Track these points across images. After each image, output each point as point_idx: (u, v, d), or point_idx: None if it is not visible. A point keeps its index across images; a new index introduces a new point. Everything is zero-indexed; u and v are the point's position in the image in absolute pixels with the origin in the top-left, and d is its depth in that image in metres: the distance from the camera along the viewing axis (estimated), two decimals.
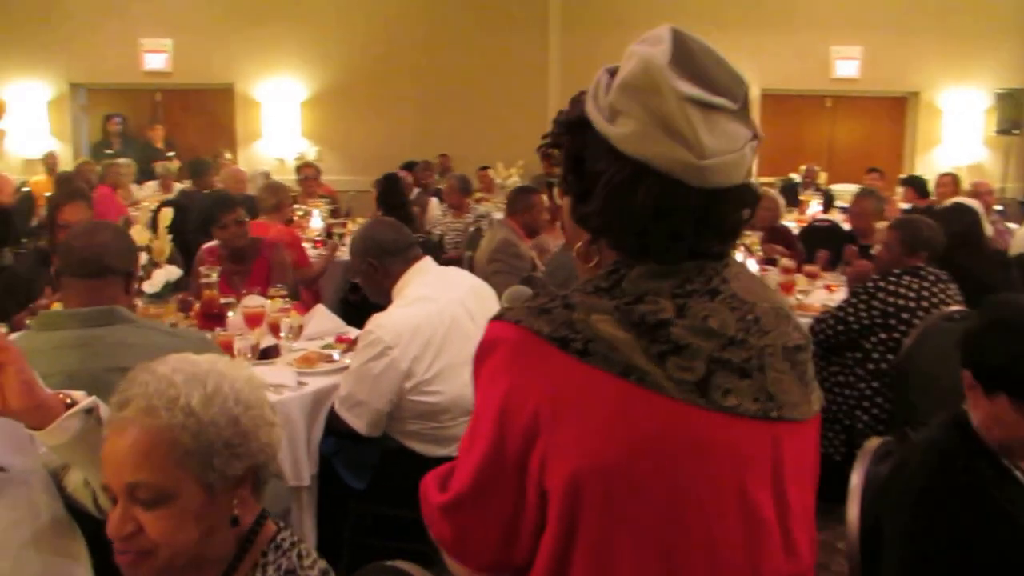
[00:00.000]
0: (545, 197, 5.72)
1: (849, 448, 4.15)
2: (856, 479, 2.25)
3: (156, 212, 4.27)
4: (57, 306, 3.21)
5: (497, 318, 1.34)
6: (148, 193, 10.56)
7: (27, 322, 3.43)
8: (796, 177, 11.31)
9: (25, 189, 10.86)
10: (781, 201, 6.78)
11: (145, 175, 11.07)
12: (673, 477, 1.27)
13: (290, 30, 12.94)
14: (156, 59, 13.31)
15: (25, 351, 2.34)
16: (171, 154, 12.19)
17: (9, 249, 9.72)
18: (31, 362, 2.27)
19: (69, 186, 4.81)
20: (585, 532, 1.27)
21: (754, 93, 12.89)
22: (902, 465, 2.12)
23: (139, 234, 3.86)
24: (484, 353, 1.35)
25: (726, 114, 1.28)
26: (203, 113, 13.63)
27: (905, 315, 4.08)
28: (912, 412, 4.02)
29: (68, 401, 1.68)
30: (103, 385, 2.27)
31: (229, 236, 4.85)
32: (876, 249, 4.63)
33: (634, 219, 1.29)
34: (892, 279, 4.17)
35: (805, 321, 4.48)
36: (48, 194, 10.23)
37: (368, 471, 3.42)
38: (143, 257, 3.85)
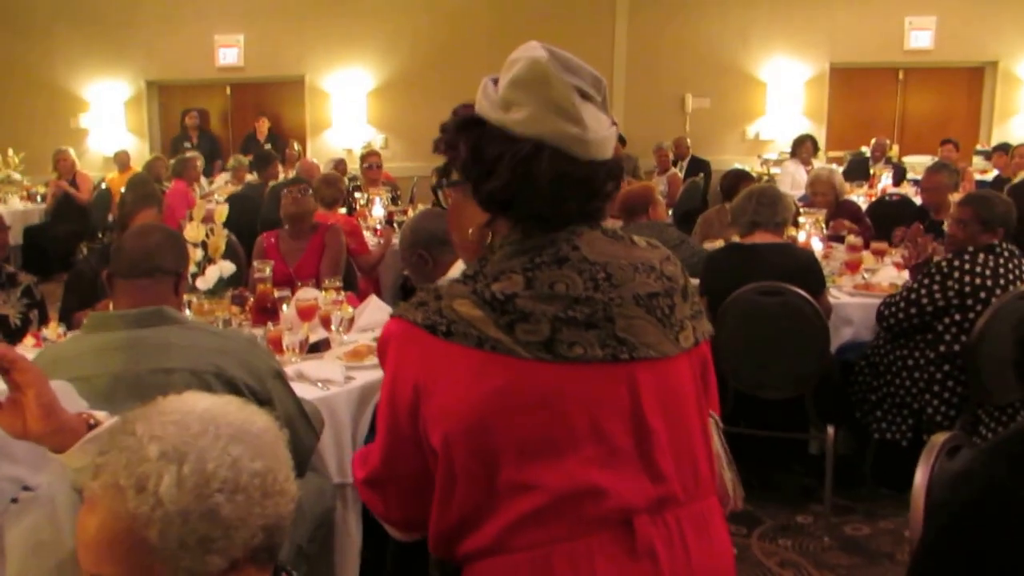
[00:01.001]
0: None
1: (916, 434, 4.01)
2: (921, 476, 1.99)
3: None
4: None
5: (391, 316, 1.59)
6: (220, 185, 10.74)
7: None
8: (867, 151, 11.03)
9: (103, 186, 11.17)
10: (836, 179, 6.48)
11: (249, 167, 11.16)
12: (526, 424, 1.49)
13: (358, 20, 12.99)
14: (229, 54, 13.50)
15: (74, 353, 2.41)
16: (268, 146, 12.37)
17: (85, 244, 10.06)
18: (79, 364, 2.31)
19: (141, 190, 4.85)
20: (462, 477, 1.51)
21: (823, 68, 12.73)
22: (966, 472, 1.96)
23: (194, 231, 3.90)
24: (380, 348, 1.61)
25: (594, 104, 1.57)
26: (274, 105, 13.81)
27: (982, 294, 3.87)
28: (985, 396, 3.87)
29: (92, 422, 1.61)
30: (148, 387, 2.26)
31: (290, 201, 5.08)
32: (949, 227, 4.37)
33: (538, 185, 1.53)
34: (967, 257, 3.95)
35: (872, 302, 4.36)
36: (123, 190, 10.57)
37: None
38: (198, 253, 3.91)
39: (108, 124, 13.68)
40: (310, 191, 5.26)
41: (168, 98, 14.05)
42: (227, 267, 3.89)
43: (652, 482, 1.53)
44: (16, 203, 10.92)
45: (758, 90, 12.79)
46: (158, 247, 2.57)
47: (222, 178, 11.09)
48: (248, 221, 7.18)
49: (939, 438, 2.00)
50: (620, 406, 1.52)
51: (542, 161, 1.51)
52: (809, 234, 5.20)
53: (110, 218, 9.97)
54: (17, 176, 11.54)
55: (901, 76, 12.87)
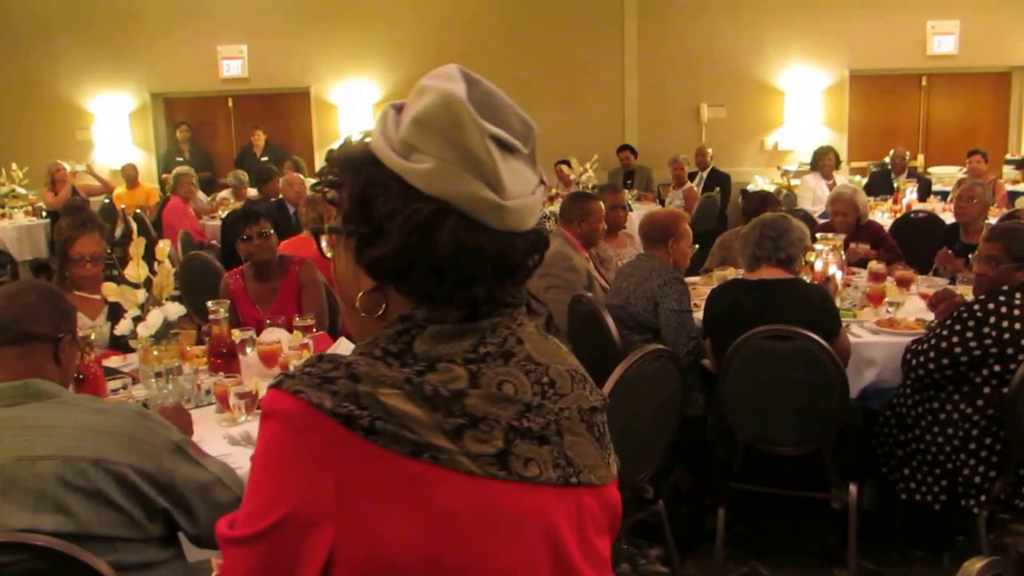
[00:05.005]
0: (602, 204, 5.28)
1: (951, 496, 3.53)
2: None
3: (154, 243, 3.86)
4: None
5: (275, 385, 1.16)
6: (222, 200, 10.47)
7: None
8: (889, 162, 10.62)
9: (106, 201, 10.93)
10: (860, 198, 5.96)
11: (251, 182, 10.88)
12: (483, 555, 1.18)
13: (364, 31, 12.86)
14: (233, 65, 13.32)
15: None
16: (264, 159, 12.09)
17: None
18: None
19: (78, 216, 4.53)
20: None
21: (842, 75, 12.33)
22: None
23: (135, 271, 3.54)
24: (262, 423, 1.18)
25: (519, 157, 1.23)
26: (279, 117, 13.56)
27: None
28: None
29: None
30: (13, 479, 1.94)
31: (252, 249, 4.52)
32: (976, 266, 3.84)
33: (435, 260, 1.19)
34: (1002, 299, 3.44)
35: (896, 341, 3.94)
36: (123, 206, 10.29)
37: None
38: (140, 295, 3.54)
39: (114, 137, 13.51)
40: (271, 230, 4.59)
41: (172, 111, 13.81)
42: (173, 309, 3.51)
43: None
44: (21, 218, 10.81)
45: (775, 99, 12.47)
46: (28, 310, 2.21)
47: (224, 194, 10.80)
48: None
49: (973, 566, 1.53)
50: (572, 531, 1.24)
51: (443, 229, 1.18)
52: (826, 262, 4.72)
53: (116, 234, 9.74)
54: (22, 190, 11.35)
55: (924, 82, 12.47)
